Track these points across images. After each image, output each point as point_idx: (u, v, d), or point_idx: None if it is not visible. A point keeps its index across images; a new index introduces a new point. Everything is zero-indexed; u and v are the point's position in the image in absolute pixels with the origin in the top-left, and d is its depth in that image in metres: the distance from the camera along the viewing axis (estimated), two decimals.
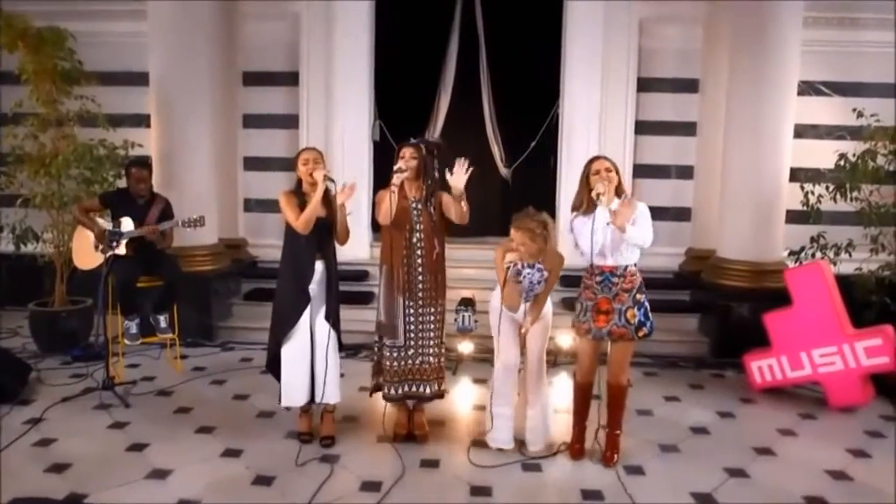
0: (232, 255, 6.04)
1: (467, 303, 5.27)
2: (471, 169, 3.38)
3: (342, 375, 3.75)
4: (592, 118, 6.25)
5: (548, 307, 3.54)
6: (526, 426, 3.54)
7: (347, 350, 4.73)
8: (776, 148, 5.28)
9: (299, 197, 3.50)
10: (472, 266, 6.02)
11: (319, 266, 3.53)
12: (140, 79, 5.79)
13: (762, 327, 4.53)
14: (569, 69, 6.26)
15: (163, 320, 4.63)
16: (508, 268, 3.36)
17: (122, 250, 4.34)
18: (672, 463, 3.47)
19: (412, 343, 3.56)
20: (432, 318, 3.58)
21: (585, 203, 3.31)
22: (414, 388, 3.61)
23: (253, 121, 6.48)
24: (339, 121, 6.32)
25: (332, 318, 3.55)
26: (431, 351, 3.59)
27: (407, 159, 3.47)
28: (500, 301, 3.43)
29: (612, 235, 3.23)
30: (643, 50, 6.20)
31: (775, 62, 5.18)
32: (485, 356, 4.99)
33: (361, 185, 6.37)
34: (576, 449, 3.47)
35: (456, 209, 3.46)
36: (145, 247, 4.42)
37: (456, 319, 5.12)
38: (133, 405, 4.07)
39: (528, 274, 3.36)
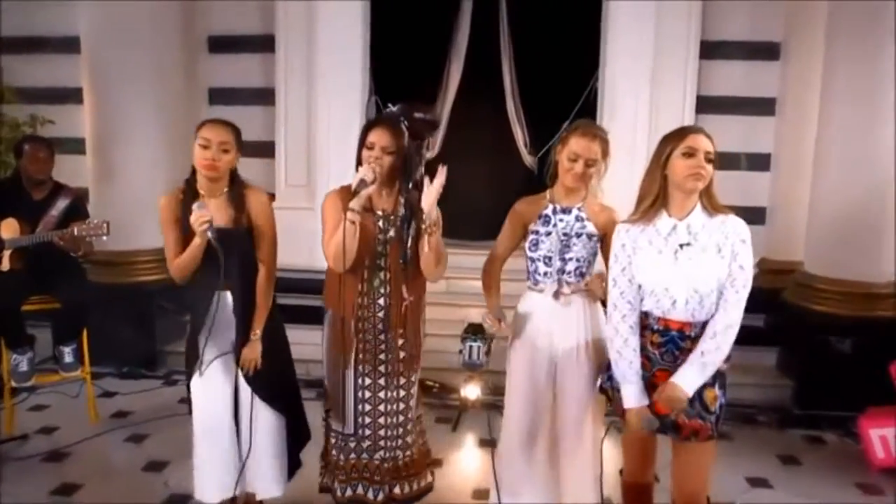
0: None
1: (476, 329, 4.04)
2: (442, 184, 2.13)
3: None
4: (641, 93, 4.95)
5: (599, 315, 2.29)
6: (564, 489, 2.31)
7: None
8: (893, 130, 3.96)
9: (187, 203, 2.21)
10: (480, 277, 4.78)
11: (226, 298, 2.32)
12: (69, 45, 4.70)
13: (873, 372, 3.44)
14: (612, 31, 4.96)
15: (67, 353, 3.48)
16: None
17: (5, 264, 3.23)
18: None
19: (368, 434, 2.33)
20: (401, 394, 2.32)
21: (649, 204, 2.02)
22: (373, 495, 2.35)
23: (221, 96, 5.32)
24: (325, 96, 5.08)
25: (261, 382, 2.33)
26: (400, 444, 2.35)
27: (378, 155, 2.19)
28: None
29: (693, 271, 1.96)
30: (707, 6, 4.90)
31: None
32: (498, 400, 3.80)
33: (351, 175, 5.27)
34: None
35: (425, 252, 2.18)
36: (38, 257, 3.28)
37: (461, 351, 3.95)
38: (6, 478, 2.95)
39: (562, 221, 2.24)
